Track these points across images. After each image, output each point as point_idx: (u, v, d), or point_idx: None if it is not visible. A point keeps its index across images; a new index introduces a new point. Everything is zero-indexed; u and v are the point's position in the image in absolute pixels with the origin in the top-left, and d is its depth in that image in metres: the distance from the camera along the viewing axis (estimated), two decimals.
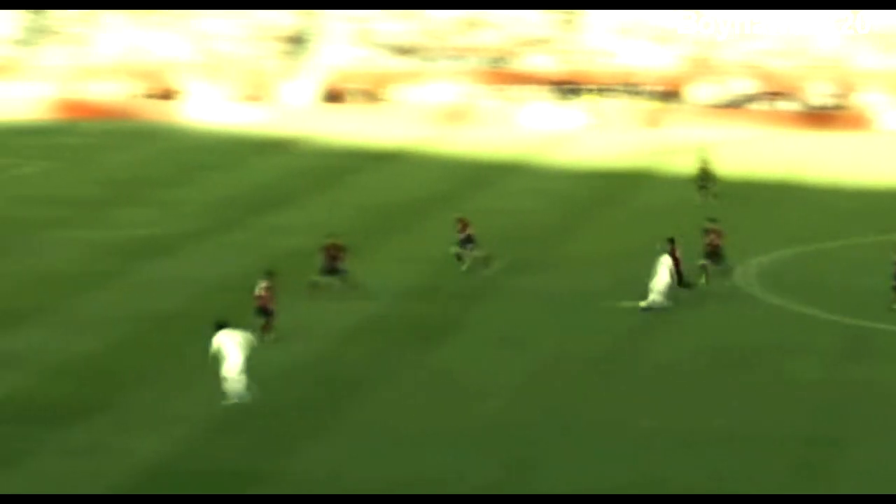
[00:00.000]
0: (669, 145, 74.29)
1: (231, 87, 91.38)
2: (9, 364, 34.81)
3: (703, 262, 42.45)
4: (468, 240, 45.05)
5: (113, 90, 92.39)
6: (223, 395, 31.52)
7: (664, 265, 39.71)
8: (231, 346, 31.71)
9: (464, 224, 45.37)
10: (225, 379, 31.57)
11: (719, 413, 31.32)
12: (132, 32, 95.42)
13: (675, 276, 40.07)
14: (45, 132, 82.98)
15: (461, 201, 58.58)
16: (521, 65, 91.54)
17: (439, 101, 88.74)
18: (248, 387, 31.63)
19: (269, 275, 37.23)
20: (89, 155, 73.78)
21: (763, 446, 29.04)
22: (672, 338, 37.60)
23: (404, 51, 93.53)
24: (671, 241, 40.75)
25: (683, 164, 63.00)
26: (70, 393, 32.78)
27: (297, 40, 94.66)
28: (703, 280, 42.19)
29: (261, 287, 36.82)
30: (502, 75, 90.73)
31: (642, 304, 39.48)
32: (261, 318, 36.37)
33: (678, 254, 40.42)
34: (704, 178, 57.63)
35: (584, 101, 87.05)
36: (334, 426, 30.59)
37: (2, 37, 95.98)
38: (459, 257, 45.05)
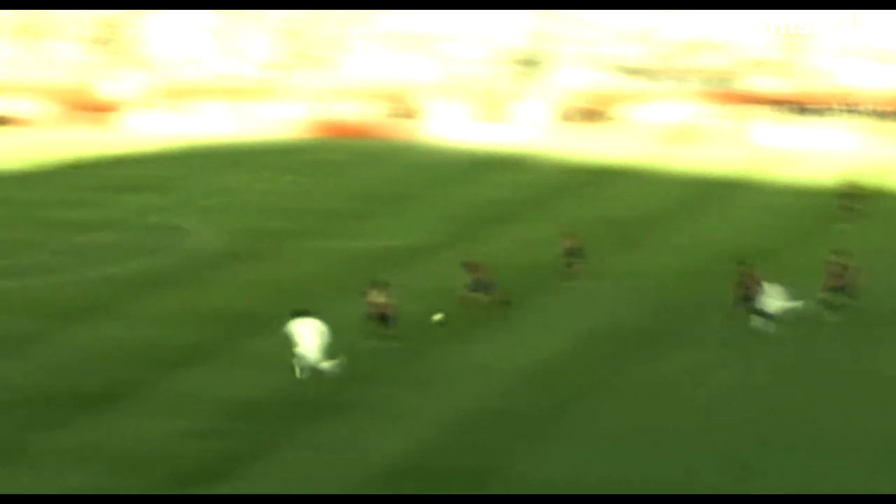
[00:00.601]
0: (892, 163, 72.18)
1: (470, 106, 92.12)
2: (262, 364, 35.62)
3: (823, 295, 39.61)
4: (572, 253, 45.01)
5: (360, 110, 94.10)
6: (295, 371, 33.98)
7: (769, 290, 38.18)
8: (305, 332, 33.93)
9: (568, 238, 45.37)
10: (299, 357, 33.85)
11: None
12: (379, 56, 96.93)
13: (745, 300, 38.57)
14: (298, 150, 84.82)
15: (687, 217, 58.07)
16: (746, 85, 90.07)
17: (667, 121, 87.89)
18: (315, 369, 33.78)
19: (383, 284, 37.92)
20: (338, 171, 75.15)
21: None
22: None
23: (633, 72, 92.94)
24: (743, 263, 39.56)
25: None
26: (317, 392, 33.35)
27: (531, 62, 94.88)
28: (828, 311, 39.49)
29: (375, 294, 37.60)
30: (728, 95, 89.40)
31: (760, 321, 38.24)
32: (376, 322, 37.37)
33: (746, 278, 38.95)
34: (850, 201, 56.00)
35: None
36: (567, 428, 30.55)
37: (261, 61, 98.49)
38: (570, 265, 44.96)
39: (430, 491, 26.90)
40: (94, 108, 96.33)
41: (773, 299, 38.04)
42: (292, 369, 34.90)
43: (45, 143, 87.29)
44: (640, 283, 44.98)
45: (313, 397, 32.88)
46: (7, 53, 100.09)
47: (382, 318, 37.52)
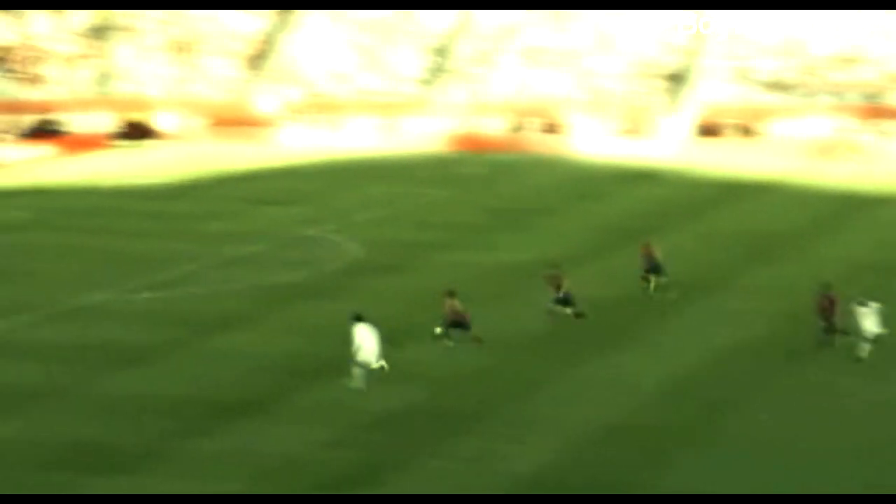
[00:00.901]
0: None
1: (612, 121, 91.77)
2: (401, 376, 35.82)
3: None
4: (653, 267, 44.83)
5: (504, 125, 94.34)
6: (351, 378, 34.52)
7: (863, 312, 36.49)
8: (367, 336, 34.29)
9: (647, 250, 45.20)
10: (357, 363, 34.31)
11: None
12: (522, 71, 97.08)
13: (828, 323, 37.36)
14: (443, 163, 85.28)
15: (828, 232, 57.21)
16: (891, 99, 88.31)
17: (813, 136, 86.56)
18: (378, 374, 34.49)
19: (451, 293, 38.51)
20: (480, 185, 75.42)
21: None
22: None
23: (779, 86, 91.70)
24: (826, 285, 38.30)
25: None
26: (460, 403, 33.53)
27: (675, 77, 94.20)
28: None
29: (450, 302, 38.24)
30: (876, 110, 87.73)
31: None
32: (456, 329, 38.04)
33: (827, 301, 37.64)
34: None
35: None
36: (702, 442, 30.35)
37: (408, 77, 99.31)
38: (646, 280, 44.87)
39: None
40: (245, 123, 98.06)
41: (868, 321, 36.69)
42: (433, 381, 35.22)
43: (196, 156, 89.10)
44: (777, 297, 44.40)
45: (451, 409, 33.03)
46: (161, 70, 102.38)
47: (459, 325, 38.16)
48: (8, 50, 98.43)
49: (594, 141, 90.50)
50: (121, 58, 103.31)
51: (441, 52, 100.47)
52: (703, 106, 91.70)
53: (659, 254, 45.51)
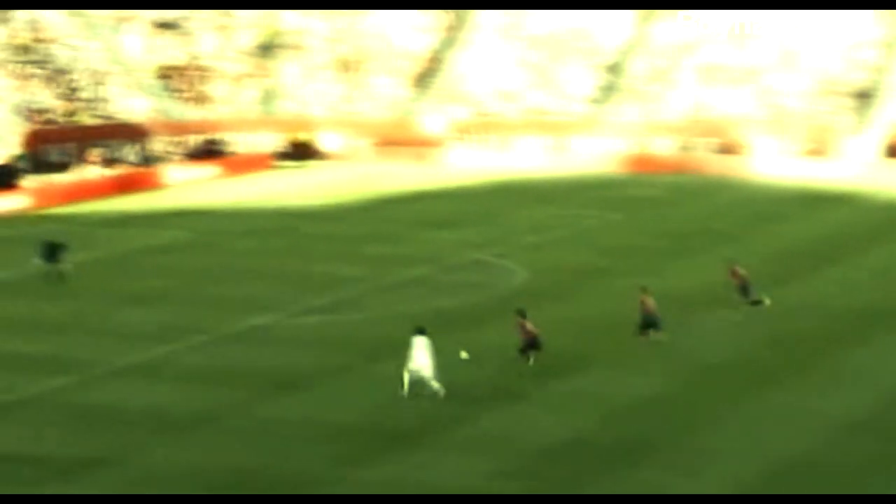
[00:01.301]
0: None
1: (795, 141, 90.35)
2: (567, 406, 35.76)
3: None
4: (744, 288, 45.49)
5: (680, 145, 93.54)
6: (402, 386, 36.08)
7: None
8: (420, 349, 35.59)
9: (734, 273, 45.83)
10: (410, 374, 35.84)
11: None
12: (700, 89, 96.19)
13: None
14: (615, 185, 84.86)
15: None
16: None
17: None
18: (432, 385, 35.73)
19: (522, 312, 39.58)
20: (655, 207, 74.85)
21: None
22: None
23: None
24: None
25: None
26: (631, 433, 33.30)
27: (863, 95, 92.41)
28: None
29: (522, 322, 39.20)
30: None
31: None
32: (531, 349, 38.95)
33: None
34: None
35: None
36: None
37: (579, 95, 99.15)
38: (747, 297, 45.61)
39: None
40: (411, 143, 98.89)
41: None
42: (602, 410, 35.07)
43: (361, 177, 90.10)
44: None
45: (621, 439, 32.80)
46: (327, 89, 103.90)
47: (534, 345, 38.93)
48: (174, 69, 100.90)
49: (775, 162, 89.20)
50: (286, 77, 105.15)
51: (614, 69, 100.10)
52: (892, 125, 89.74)
53: (745, 273, 45.91)
